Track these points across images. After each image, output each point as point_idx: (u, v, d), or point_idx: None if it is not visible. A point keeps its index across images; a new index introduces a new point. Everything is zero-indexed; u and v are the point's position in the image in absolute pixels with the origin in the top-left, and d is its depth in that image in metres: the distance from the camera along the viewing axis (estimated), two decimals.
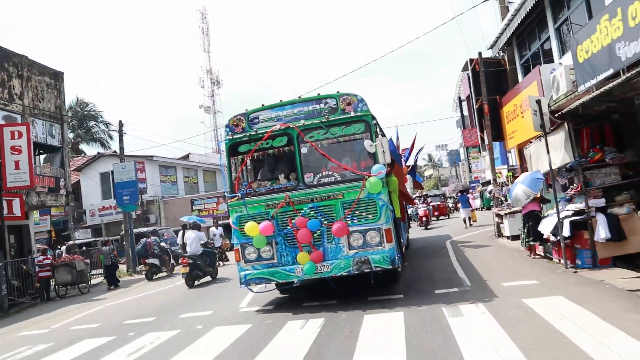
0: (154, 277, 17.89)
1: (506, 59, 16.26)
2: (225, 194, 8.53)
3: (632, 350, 4.57)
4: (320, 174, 8.38)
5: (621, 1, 7.11)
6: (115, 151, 33.72)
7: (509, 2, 16.57)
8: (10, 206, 16.20)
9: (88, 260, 18.59)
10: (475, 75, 16.38)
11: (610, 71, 7.54)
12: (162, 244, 19.39)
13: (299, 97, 8.65)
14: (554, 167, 9.39)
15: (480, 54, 16.09)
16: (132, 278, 20.38)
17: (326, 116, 8.30)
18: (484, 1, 16.08)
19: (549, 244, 10.35)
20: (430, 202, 30.79)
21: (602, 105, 8.91)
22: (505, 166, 26.00)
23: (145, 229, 26.15)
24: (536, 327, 5.66)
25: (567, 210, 9.41)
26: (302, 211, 7.99)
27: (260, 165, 9.86)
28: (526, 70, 14.95)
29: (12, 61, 18.27)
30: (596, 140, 9.63)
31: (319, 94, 8.60)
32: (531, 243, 10.91)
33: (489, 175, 26.40)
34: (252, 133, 8.56)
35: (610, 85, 7.13)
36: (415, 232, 22.76)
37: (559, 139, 9.50)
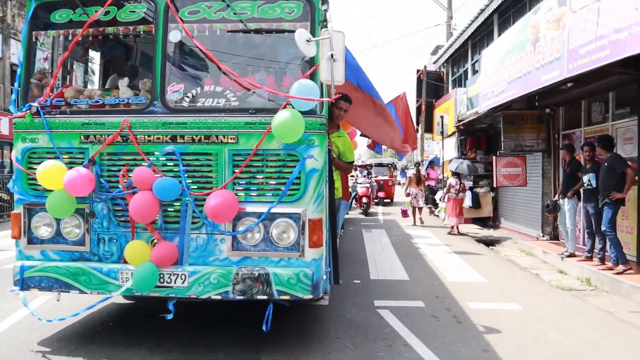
0: None
1: (444, 72, 21.60)
2: (12, 104, 4.42)
3: (427, 237, 10.34)
4: (199, 90, 4.29)
5: (481, 73, 12.41)
6: None
7: (453, 29, 21.83)
8: None
9: None
10: (419, 82, 21.69)
11: (477, 109, 12.92)
12: None
13: None
14: (446, 159, 14.95)
15: (425, 67, 21.40)
16: None
17: None
18: (435, 25, 21.38)
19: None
20: (376, 175, 22.91)
21: (483, 124, 14.40)
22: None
23: None
24: (405, 237, 11.26)
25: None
26: (152, 158, 4.09)
27: (85, 57, 5.60)
28: (456, 84, 20.31)
29: None
30: (475, 145, 15.15)
31: None
32: (430, 206, 16.60)
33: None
34: None
35: (472, 117, 12.57)
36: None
37: (452, 142, 15.03)
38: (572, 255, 8.10)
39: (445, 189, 13.24)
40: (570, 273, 7.75)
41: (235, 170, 4.03)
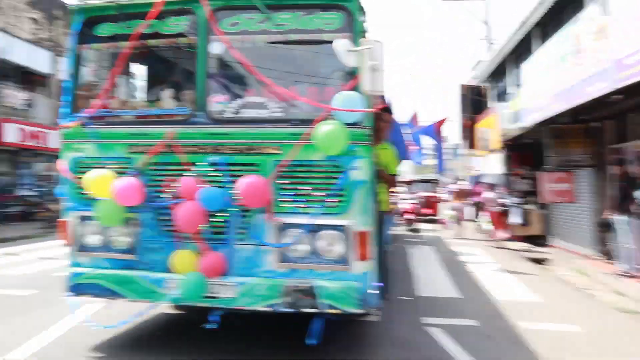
0: None
1: (486, 87, 21.39)
2: (61, 117, 4.52)
3: (475, 254, 10.18)
4: (242, 101, 4.37)
5: (523, 87, 12.25)
6: None
7: (491, 43, 21.72)
8: None
9: None
10: (463, 98, 21.54)
11: (521, 124, 12.70)
12: None
13: None
14: (492, 173, 14.76)
15: (466, 82, 21.25)
16: None
17: None
18: (475, 40, 21.22)
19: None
20: (420, 191, 21.80)
21: (528, 139, 14.16)
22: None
23: None
24: (451, 254, 11.14)
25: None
26: (197, 168, 4.13)
27: (130, 70, 5.52)
28: (498, 98, 20.05)
29: None
30: (521, 161, 14.87)
31: None
32: (477, 221, 16.39)
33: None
34: (124, 3, 4.43)
35: (516, 132, 12.39)
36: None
37: (497, 157, 14.83)
38: (629, 275, 7.79)
39: (485, 204, 14.43)
40: (627, 294, 7.43)
41: (279, 182, 3.99)
